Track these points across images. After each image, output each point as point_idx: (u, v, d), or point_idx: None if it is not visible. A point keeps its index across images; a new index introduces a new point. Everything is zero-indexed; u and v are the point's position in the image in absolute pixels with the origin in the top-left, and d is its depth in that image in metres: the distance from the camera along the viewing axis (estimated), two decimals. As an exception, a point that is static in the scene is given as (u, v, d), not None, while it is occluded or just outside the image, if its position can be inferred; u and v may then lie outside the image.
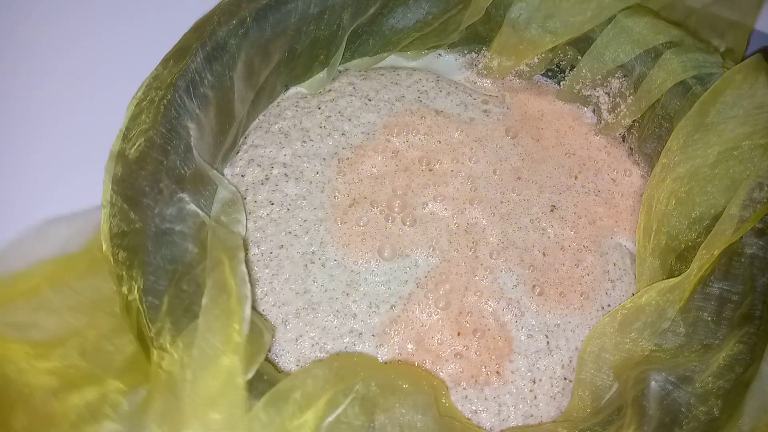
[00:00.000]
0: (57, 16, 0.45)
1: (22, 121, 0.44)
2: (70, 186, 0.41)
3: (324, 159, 0.36)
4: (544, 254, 0.35)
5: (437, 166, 0.36)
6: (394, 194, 0.35)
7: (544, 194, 0.36)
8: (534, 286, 0.34)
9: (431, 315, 0.33)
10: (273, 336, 0.32)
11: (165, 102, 0.30)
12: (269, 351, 0.32)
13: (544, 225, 0.35)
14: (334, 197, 0.35)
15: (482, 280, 0.34)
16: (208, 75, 0.31)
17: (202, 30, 0.32)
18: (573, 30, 0.35)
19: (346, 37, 0.36)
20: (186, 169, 0.30)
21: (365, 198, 0.35)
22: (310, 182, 0.35)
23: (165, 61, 0.31)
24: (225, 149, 0.34)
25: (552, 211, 0.36)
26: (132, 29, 0.45)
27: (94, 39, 0.45)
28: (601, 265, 0.34)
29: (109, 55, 0.44)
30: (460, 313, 0.33)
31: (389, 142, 0.36)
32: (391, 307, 0.33)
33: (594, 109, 0.39)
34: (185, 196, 0.29)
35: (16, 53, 0.45)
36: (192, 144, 0.30)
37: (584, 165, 0.37)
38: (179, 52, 0.31)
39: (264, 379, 0.27)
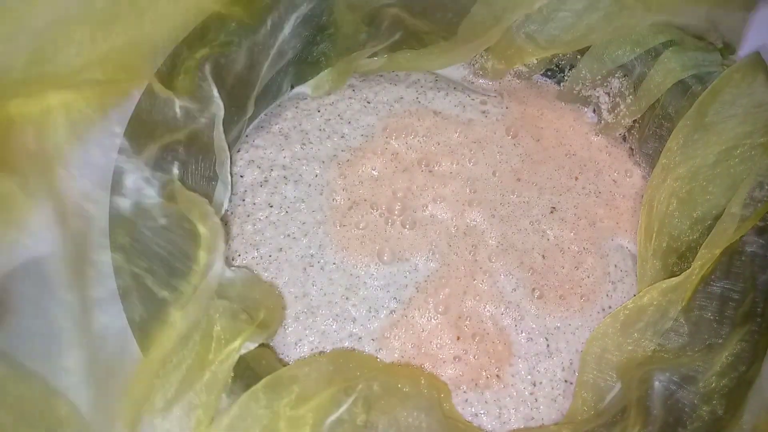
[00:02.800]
0: None
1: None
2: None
3: (323, 162, 0.35)
4: (543, 257, 0.34)
5: (437, 168, 0.36)
6: (394, 196, 0.35)
7: (544, 196, 0.36)
8: (534, 290, 0.33)
9: (431, 320, 0.33)
10: (284, 309, 0.32)
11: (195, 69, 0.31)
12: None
13: (544, 227, 0.35)
14: (333, 200, 0.35)
15: (481, 284, 0.33)
16: (225, 60, 0.32)
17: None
18: (559, 46, 0.35)
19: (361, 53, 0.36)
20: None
21: (365, 200, 0.35)
22: (309, 185, 0.35)
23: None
24: (229, 140, 0.34)
25: (552, 212, 0.35)
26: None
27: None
28: (602, 267, 0.34)
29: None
30: (459, 317, 0.33)
31: (388, 144, 0.36)
32: (391, 312, 0.32)
33: (594, 109, 0.38)
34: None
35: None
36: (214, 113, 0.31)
37: (585, 166, 0.37)
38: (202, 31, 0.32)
39: (262, 363, 0.28)
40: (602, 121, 0.38)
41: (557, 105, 0.39)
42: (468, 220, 0.35)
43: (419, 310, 0.33)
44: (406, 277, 0.33)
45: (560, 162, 0.37)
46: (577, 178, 0.37)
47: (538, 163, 0.37)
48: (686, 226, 0.31)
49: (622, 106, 0.37)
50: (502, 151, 0.37)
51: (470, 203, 0.35)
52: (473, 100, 0.38)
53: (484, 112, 0.38)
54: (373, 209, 0.34)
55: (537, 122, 0.38)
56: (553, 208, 0.36)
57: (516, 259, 0.34)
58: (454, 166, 0.36)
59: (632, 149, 0.38)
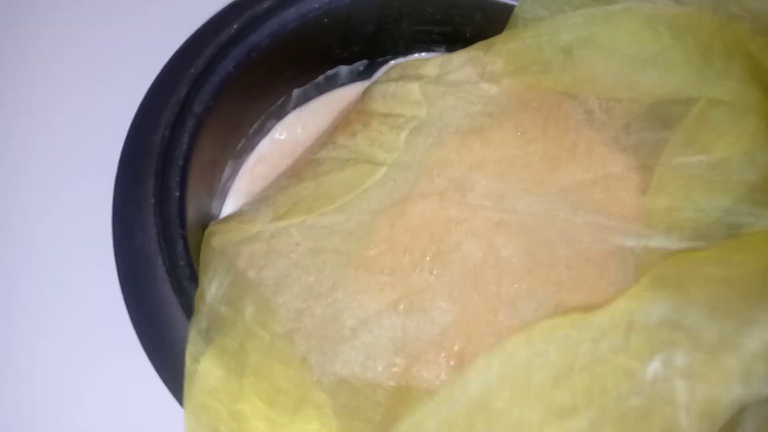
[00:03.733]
0: (58, 16, 0.46)
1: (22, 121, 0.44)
2: (72, 187, 0.42)
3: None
4: (569, 268, 0.33)
5: (470, 194, 0.35)
6: (431, 240, 0.34)
7: (567, 198, 0.35)
8: (556, 307, 0.32)
9: (440, 375, 0.31)
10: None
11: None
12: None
13: (570, 234, 0.34)
14: (366, 247, 0.34)
15: (504, 320, 0.32)
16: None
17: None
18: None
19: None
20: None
21: (401, 244, 0.34)
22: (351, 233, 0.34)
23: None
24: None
25: (575, 215, 0.35)
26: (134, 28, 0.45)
27: (96, 40, 0.46)
28: (623, 273, 0.33)
29: (111, 56, 0.45)
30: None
31: (433, 182, 0.35)
32: (391, 366, 0.31)
33: (589, 106, 0.38)
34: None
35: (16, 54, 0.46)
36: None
37: (592, 161, 0.36)
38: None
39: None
40: (595, 120, 0.38)
41: (554, 99, 0.38)
42: (496, 247, 0.34)
43: (427, 366, 0.31)
44: (419, 329, 0.32)
45: (571, 153, 0.36)
46: (588, 172, 0.36)
47: (553, 159, 0.36)
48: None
49: (617, 109, 0.37)
50: (519, 153, 0.36)
51: (498, 225, 0.34)
52: (476, 105, 0.38)
53: (489, 114, 0.37)
54: (406, 253, 0.33)
55: (540, 118, 0.37)
56: (577, 209, 0.35)
57: (541, 276, 0.33)
58: (484, 187, 0.35)
59: (626, 148, 0.37)
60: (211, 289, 0.31)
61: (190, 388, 0.28)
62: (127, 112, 0.35)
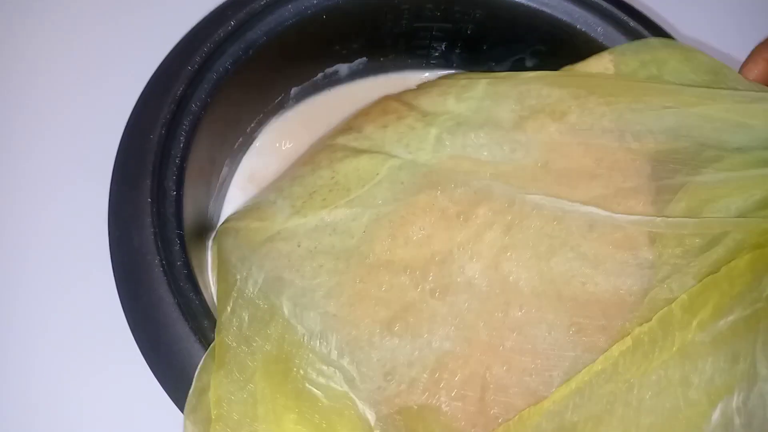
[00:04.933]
0: (54, 14, 0.45)
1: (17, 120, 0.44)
2: (68, 187, 0.42)
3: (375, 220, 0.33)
4: (583, 283, 0.31)
5: (476, 212, 0.32)
6: (432, 259, 0.31)
7: (581, 212, 0.32)
8: (570, 325, 0.30)
9: (441, 406, 0.29)
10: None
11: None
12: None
13: (585, 249, 0.31)
14: (367, 258, 0.32)
15: (513, 347, 0.29)
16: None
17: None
18: None
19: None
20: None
21: (401, 259, 0.32)
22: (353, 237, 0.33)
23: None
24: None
25: (590, 229, 0.31)
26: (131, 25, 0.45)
27: (92, 37, 0.46)
28: (640, 285, 0.30)
29: (107, 53, 0.45)
30: (480, 400, 0.29)
31: (435, 199, 0.33)
32: (378, 388, 0.29)
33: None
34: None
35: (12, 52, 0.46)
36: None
37: (611, 176, 0.33)
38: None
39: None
40: (624, 143, 0.34)
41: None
42: (504, 273, 0.31)
43: (419, 394, 0.29)
44: (414, 354, 0.29)
45: (573, 150, 0.34)
46: (598, 169, 0.33)
47: (572, 176, 0.33)
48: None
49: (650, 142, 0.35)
50: (537, 170, 0.33)
51: (505, 249, 0.31)
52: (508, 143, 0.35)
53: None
54: (405, 272, 0.31)
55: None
56: (591, 224, 0.31)
57: (554, 295, 0.30)
58: (495, 200, 0.32)
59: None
60: (248, 286, 0.31)
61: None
62: (123, 110, 0.35)
